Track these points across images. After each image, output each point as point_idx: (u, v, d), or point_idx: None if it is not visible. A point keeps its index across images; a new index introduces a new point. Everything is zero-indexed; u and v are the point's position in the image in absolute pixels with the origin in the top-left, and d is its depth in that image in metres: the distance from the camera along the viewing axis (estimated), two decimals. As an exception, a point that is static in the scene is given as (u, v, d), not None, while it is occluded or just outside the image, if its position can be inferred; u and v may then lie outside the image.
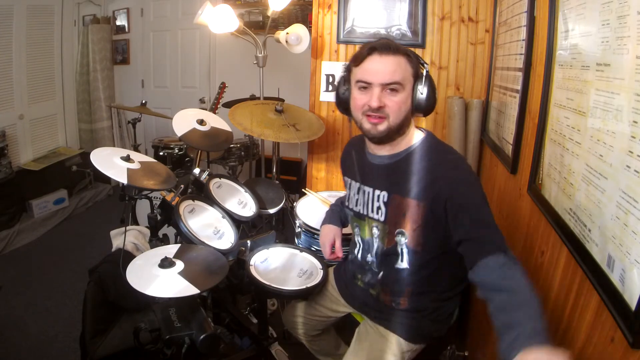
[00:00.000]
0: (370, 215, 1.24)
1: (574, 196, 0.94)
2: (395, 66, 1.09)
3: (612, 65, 0.79)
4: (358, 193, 1.29)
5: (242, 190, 1.86)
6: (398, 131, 1.14)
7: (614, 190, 0.76)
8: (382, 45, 1.10)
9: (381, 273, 1.27)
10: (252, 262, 1.51)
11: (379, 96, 1.09)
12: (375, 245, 1.26)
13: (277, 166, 2.84)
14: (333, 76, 2.47)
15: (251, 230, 2.67)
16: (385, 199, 1.19)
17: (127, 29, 4.38)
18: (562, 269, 1.02)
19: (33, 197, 3.38)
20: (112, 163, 1.45)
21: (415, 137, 1.19)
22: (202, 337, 1.21)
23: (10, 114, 3.42)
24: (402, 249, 1.19)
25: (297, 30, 2.44)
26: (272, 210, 1.88)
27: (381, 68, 1.09)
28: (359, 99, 1.13)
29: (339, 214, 1.53)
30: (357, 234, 1.35)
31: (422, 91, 1.11)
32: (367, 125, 1.14)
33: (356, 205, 1.30)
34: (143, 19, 4.32)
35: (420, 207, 1.11)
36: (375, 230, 1.24)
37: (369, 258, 1.30)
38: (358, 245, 1.35)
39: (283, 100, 2.78)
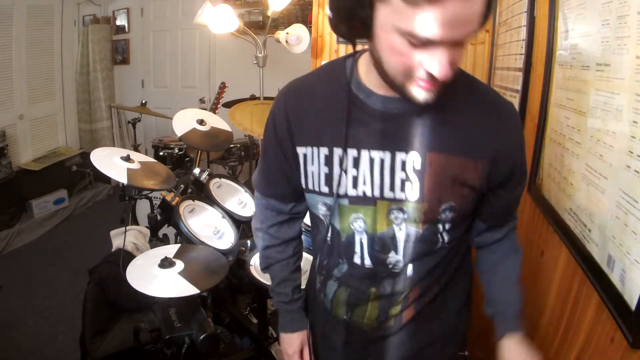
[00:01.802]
0: (388, 195, 0.77)
1: (574, 196, 0.94)
2: (480, 6, 0.58)
3: (612, 65, 0.79)
4: (356, 167, 0.78)
5: (242, 190, 1.86)
6: None
7: (614, 190, 0.76)
8: None
9: (410, 267, 0.81)
10: (252, 262, 1.51)
11: (449, 60, 0.61)
12: (404, 236, 0.79)
13: (277, 166, 2.83)
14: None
15: (251, 230, 2.67)
16: (419, 165, 0.74)
17: (127, 29, 4.38)
18: (562, 269, 1.02)
19: (33, 197, 3.38)
20: (112, 163, 1.45)
21: None
22: (202, 337, 1.21)
23: (10, 114, 3.42)
24: (444, 226, 0.79)
25: (297, 30, 2.44)
26: (272, 210, 1.88)
27: (466, 15, 0.57)
28: (407, 57, 0.62)
29: (300, 305, 1.03)
30: (358, 231, 0.81)
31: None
32: (414, 92, 0.66)
33: (355, 187, 0.79)
34: (143, 19, 4.32)
35: (479, 167, 0.74)
36: (397, 215, 0.78)
37: (392, 258, 0.81)
38: (358, 249, 0.83)
39: (283, 100, 2.77)
